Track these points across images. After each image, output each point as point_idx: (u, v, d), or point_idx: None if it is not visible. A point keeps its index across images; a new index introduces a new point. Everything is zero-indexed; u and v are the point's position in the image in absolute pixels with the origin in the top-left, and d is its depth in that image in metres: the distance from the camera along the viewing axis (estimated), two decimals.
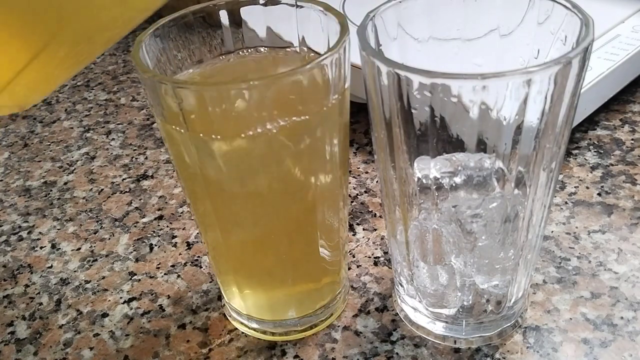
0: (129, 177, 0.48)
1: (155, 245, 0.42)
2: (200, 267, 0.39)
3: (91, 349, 0.35)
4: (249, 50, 0.33)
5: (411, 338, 0.34)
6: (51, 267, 0.41)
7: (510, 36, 0.30)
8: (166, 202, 0.45)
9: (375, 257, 0.39)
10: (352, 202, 0.43)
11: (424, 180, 0.29)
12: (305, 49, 0.32)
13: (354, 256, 0.39)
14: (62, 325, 0.37)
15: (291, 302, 0.34)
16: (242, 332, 0.35)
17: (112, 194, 0.47)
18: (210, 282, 0.38)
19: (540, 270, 0.36)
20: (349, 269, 0.38)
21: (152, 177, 0.48)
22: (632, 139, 0.46)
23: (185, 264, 0.40)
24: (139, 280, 0.39)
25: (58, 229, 0.44)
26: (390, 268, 0.37)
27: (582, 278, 0.36)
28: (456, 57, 0.29)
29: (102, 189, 0.47)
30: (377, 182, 0.45)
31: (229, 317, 0.36)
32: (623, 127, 0.47)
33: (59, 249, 0.42)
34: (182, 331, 0.35)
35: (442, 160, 0.28)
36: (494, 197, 0.29)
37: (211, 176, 0.29)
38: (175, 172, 0.48)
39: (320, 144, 0.29)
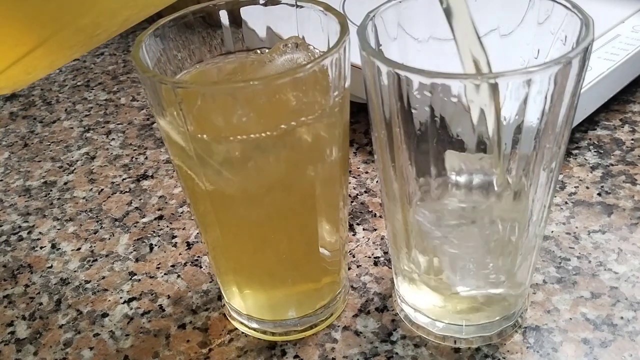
0: (129, 177, 0.48)
1: (155, 245, 0.42)
2: (200, 267, 0.39)
3: (91, 349, 0.35)
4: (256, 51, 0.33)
5: (411, 338, 0.34)
6: (51, 267, 0.41)
7: (510, 36, 0.30)
8: (166, 202, 0.45)
9: (375, 257, 0.39)
10: (352, 202, 0.43)
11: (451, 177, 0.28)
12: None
13: (354, 256, 0.39)
14: (62, 325, 0.37)
15: (291, 302, 0.34)
16: (242, 332, 0.35)
17: (112, 194, 0.47)
18: (210, 282, 0.38)
19: (540, 270, 0.36)
20: (349, 269, 0.38)
21: (152, 177, 0.48)
22: (632, 139, 0.46)
23: (185, 264, 0.40)
24: (139, 280, 0.39)
25: (58, 229, 0.44)
26: (390, 268, 0.37)
27: (582, 278, 0.36)
28: (456, 57, 0.29)
29: (102, 189, 0.47)
30: (377, 182, 0.45)
31: (229, 317, 0.36)
32: (623, 127, 0.47)
33: (59, 249, 0.42)
34: (182, 331, 0.35)
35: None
36: (494, 197, 0.29)
37: (211, 176, 0.29)
38: (175, 172, 0.48)
39: (320, 144, 0.29)
